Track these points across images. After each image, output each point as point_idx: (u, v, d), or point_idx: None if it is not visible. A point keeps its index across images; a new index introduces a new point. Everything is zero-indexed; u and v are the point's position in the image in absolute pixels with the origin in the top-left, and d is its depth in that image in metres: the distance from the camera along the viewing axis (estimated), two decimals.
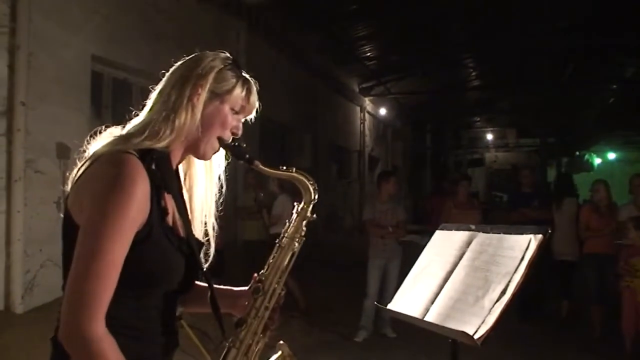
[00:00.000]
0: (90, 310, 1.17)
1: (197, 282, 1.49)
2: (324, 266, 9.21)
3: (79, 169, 1.33)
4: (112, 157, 1.27)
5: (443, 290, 1.97)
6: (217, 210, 1.54)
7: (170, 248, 1.33)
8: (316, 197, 1.52)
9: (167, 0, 6.63)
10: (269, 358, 1.53)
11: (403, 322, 2.10)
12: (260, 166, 1.48)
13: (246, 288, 1.54)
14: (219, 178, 1.54)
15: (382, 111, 15.99)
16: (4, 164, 4.65)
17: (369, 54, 12.37)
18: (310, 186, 1.52)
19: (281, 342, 1.56)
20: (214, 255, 1.52)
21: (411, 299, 2.07)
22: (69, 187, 1.33)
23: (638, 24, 9.70)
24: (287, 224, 1.53)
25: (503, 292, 1.75)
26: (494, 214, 11.84)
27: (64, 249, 1.29)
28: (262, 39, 9.20)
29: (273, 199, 6.85)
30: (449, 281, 1.98)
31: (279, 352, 1.54)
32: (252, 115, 1.49)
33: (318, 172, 11.76)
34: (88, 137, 1.38)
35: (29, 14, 4.72)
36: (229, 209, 7.43)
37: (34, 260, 4.77)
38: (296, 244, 1.50)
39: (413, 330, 2.24)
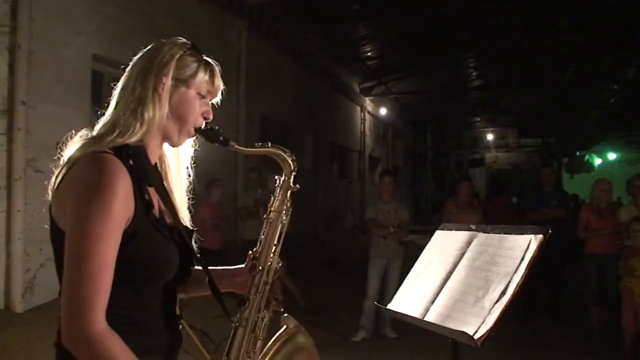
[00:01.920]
0: (87, 312, 1.17)
1: (194, 267, 1.49)
2: (324, 266, 9.20)
3: (57, 176, 1.33)
4: (88, 158, 1.26)
5: (443, 290, 1.97)
6: (189, 199, 1.54)
7: (162, 239, 1.33)
8: (296, 167, 1.52)
9: None
10: (276, 333, 1.54)
11: (403, 322, 2.10)
12: (236, 146, 1.49)
13: (242, 266, 1.55)
14: (187, 167, 1.53)
15: (383, 111, 15.97)
16: (4, 163, 4.66)
17: (369, 53, 12.37)
18: (288, 158, 1.52)
19: (286, 315, 1.56)
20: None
21: (411, 299, 2.07)
22: (50, 196, 1.33)
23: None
24: (272, 198, 1.53)
25: (503, 293, 1.75)
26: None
27: (55, 257, 1.29)
28: (264, 39, 9.21)
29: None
30: (449, 281, 1.98)
31: (284, 327, 1.55)
32: (217, 99, 1.49)
33: (319, 171, 11.77)
34: (60, 144, 1.37)
35: (30, 12, 4.72)
36: (230, 208, 7.43)
37: (34, 260, 4.77)
38: (284, 217, 1.51)
39: (413, 330, 2.24)
